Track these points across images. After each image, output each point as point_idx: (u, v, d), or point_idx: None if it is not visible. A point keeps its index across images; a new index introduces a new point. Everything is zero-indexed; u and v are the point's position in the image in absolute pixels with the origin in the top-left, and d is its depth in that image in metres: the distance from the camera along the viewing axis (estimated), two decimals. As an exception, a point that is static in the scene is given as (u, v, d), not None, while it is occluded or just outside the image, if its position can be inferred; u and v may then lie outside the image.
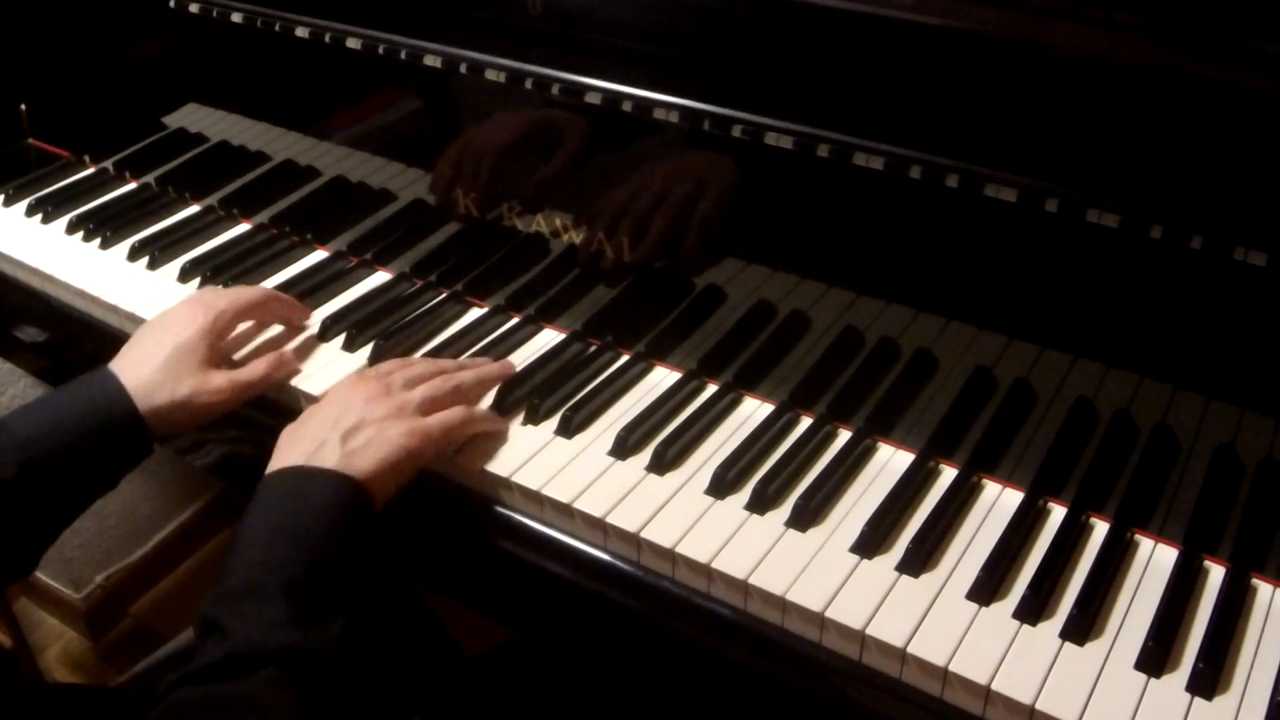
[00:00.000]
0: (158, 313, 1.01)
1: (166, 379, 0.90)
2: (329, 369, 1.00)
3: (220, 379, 0.93)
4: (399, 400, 0.86)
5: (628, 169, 0.95)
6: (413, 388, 0.89)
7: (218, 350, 0.96)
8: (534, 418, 0.93)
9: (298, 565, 0.74)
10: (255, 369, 0.96)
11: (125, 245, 1.18)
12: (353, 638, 0.74)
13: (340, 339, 1.04)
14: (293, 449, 0.83)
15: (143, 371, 0.91)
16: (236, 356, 1.01)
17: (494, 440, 0.91)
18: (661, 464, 0.88)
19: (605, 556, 0.85)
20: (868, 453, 0.91)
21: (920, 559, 0.80)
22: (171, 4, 1.13)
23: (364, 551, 0.79)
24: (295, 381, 0.99)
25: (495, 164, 1.01)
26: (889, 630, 0.75)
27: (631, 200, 0.94)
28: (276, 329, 1.05)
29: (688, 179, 0.91)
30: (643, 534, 0.82)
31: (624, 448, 0.90)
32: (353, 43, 1.02)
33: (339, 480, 0.79)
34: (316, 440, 0.82)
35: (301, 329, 1.05)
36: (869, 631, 0.75)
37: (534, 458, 0.89)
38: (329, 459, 0.80)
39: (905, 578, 0.79)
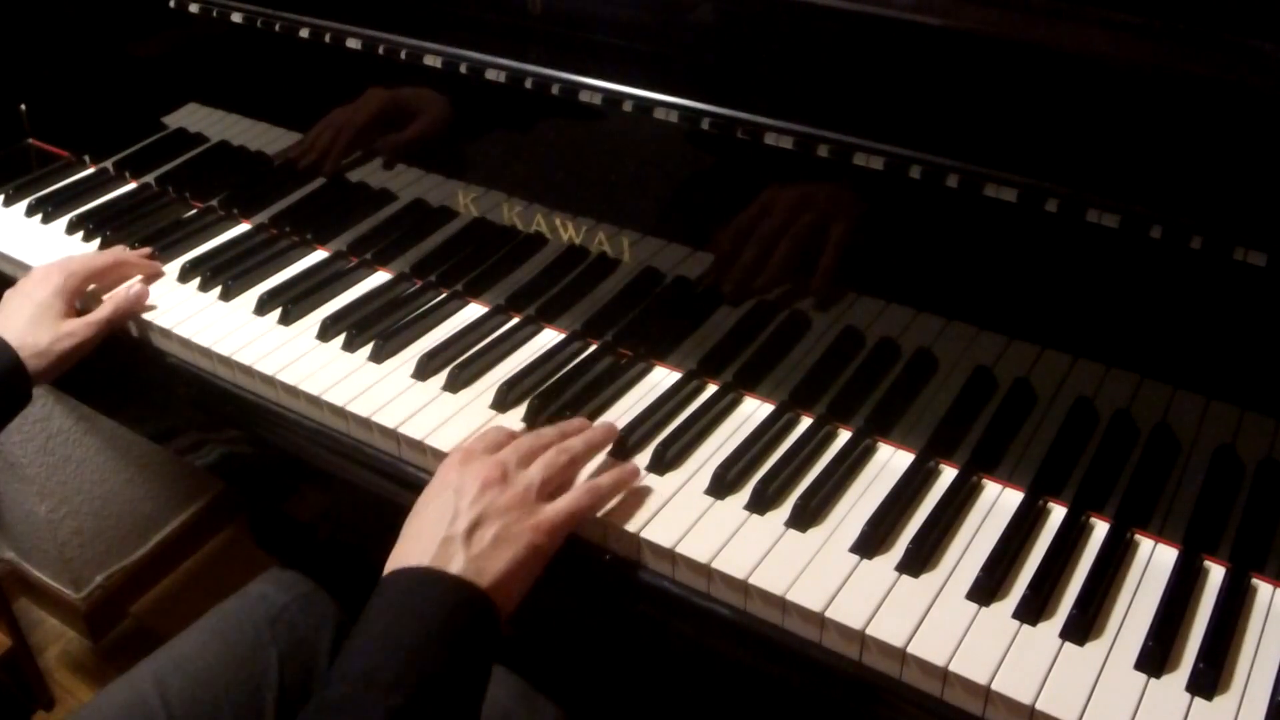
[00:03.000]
0: (178, 316, 1.09)
1: (29, 332, 1.01)
2: (329, 369, 1.00)
3: (73, 324, 1.04)
4: (521, 486, 0.80)
5: (629, 169, 0.95)
6: (527, 465, 0.83)
7: (72, 305, 1.06)
8: (534, 418, 0.94)
9: (405, 686, 0.68)
10: (102, 308, 1.06)
11: (125, 245, 1.18)
12: None
13: (340, 339, 1.04)
14: (415, 544, 0.77)
15: (12, 326, 1.02)
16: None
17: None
18: (661, 464, 0.88)
19: (605, 557, 0.85)
20: (868, 453, 0.91)
21: (920, 559, 0.80)
22: (171, 4, 1.13)
23: (482, 672, 0.73)
24: (295, 382, 0.99)
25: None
26: (889, 630, 0.75)
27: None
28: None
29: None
30: (643, 534, 0.82)
31: (624, 448, 0.90)
32: (353, 43, 1.02)
33: (463, 591, 0.73)
34: (437, 537, 0.76)
35: (155, 276, 1.14)
36: (869, 631, 0.75)
37: (534, 458, 0.89)
38: (454, 562, 0.74)
39: (905, 578, 0.79)
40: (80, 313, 1.06)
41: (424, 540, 0.76)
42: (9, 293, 1.07)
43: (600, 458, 0.89)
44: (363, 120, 1.09)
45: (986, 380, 0.85)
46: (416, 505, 0.81)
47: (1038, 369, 0.83)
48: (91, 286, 1.10)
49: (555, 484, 0.83)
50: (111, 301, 1.07)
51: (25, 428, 1.55)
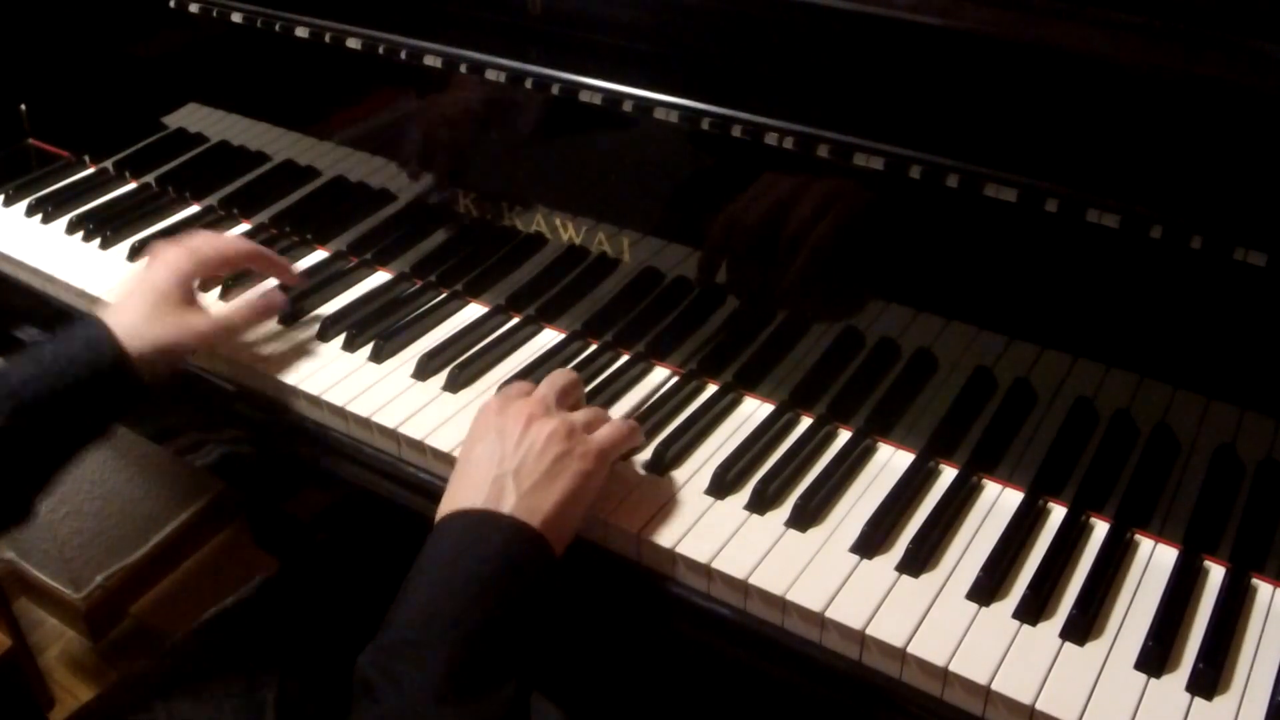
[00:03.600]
0: None
1: (148, 323, 0.91)
2: (329, 369, 1.00)
3: (200, 319, 0.94)
4: (564, 419, 0.81)
5: (629, 169, 0.95)
6: (566, 403, 0.85)
7: (193, 292, 0.96)
8: (534, 418, 0.94)
9: (465, 625, 0.68)
10: (235, 308, 0.96)
11: (125, 245, 1.18)
12: (519, 709, 0.68)
13: (340, 339, 1.04)
14: (466, 488, 0.77)
15: (126, 317, 0.90)
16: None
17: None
18: (661, 464, 0.88)
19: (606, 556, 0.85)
20: (868, 453, 0.91)
21: (920, 559, 0.80)
22: (171, 4, 1.13)
23: (539, 610, 0.73)
24: (295, 381, 0.99)
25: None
26: (889, 630, 0.75)
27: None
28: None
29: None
30: (642, 534, 0.82)
31: (624, 448, 0.90)
32: (353, 43, 1.02)
33: (518, 529, 0.73)
34: (489, 477, 0.76)
35: (291, 282, 1.06)
36: (869, 631, 0.75)
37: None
38: (507, 500, 0.75)
39: (905, 578, 0.79)
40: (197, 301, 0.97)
41: (475, 481, 0.76)
42: (131, 274, 0.98)
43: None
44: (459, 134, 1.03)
45: (986, 380, 0.85)
46: (461, 453, 0.82)
47: (1038, 369, 0.83)
48: (222, 275, 1.03)
49: (595, 424, 0.84)
50: (246, 304, 0.98)
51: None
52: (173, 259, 0.95)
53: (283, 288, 1.07)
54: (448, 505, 0.77)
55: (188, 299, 0.94)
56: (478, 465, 0.78)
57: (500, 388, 0.88)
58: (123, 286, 0.95)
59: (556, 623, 0.81)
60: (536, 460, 0.77)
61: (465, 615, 0.69)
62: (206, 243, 0.97)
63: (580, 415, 0.83)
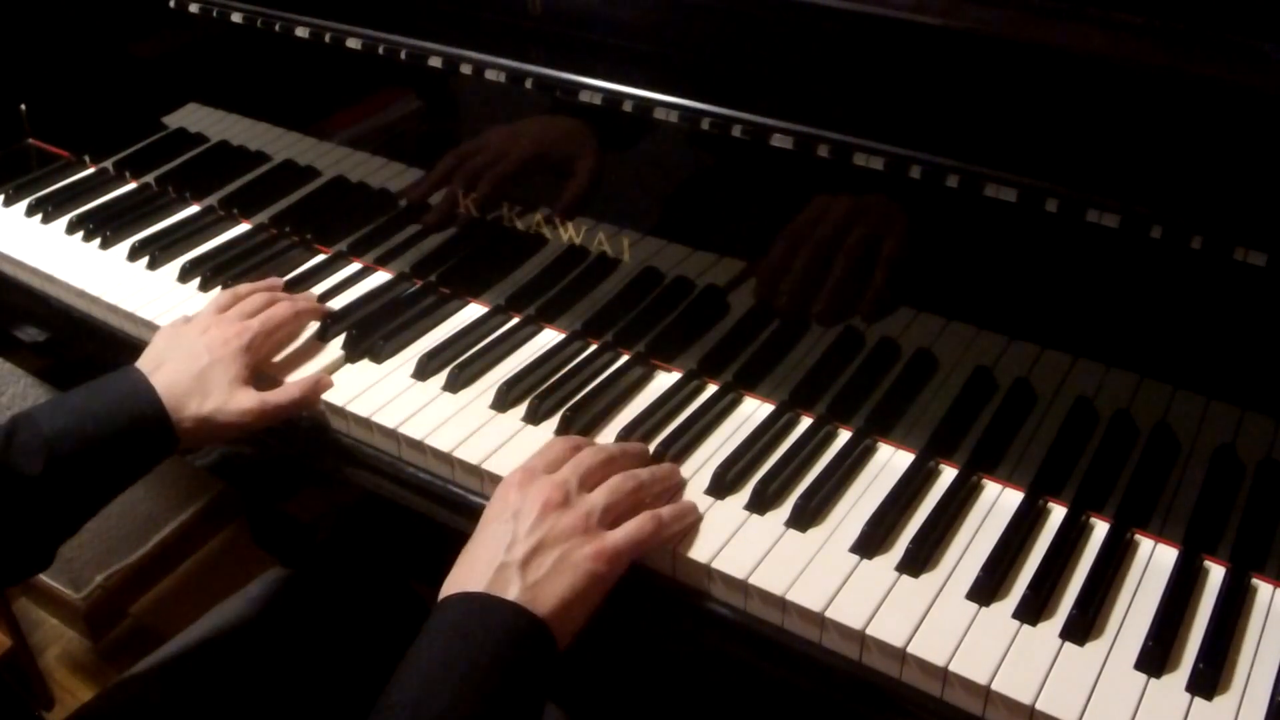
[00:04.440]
0: (177, 317, 1.02)
1: (196, 391, 0.89)
2: (328, 370, 1.00)
3: (249, 399, 0.91)
4: (583, 511, 0.78)
5: (629, 169, 0.95)
6: (591, 486, 0.81)
7: (252, 370, 0.95)
8: (534, 418, 0.94)
9: (459, 715, 0.67)
10: (288, 393, 0.94)
11: (125, 245, 1.18)
12: None
13: (340, 339, 1.04)
14: (471, 569, 0.75)
15: (172, 378, 0.90)
16: (271, 370, 1.00)
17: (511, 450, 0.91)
18: (661, 464, 0.88)
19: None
20: (868, 453, 0.91)
21: (920, 559, 0.80)
22: (171, 4, 1.13)
23: (535, 702, 0.71)
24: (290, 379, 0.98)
25: (512, 169, 0.99)
26: (889, 630, 0.75)
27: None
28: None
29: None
30: (643, 534, 0.82)
31: (624, 448, 0.90)
32: (353, 43, 1.02)
33: (519, 617, 0.71)
34: (493, 562, 0.74)
35: (319, 317, 1.05)
36: (869, 631, 0.75)
37: (534, 458, 0.89)
38: (511, 589, 0.72)
39: (905, 578, 0.79)
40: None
41: (480, 565, 0.74)
42: (174, 337, 0.96)
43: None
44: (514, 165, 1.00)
45: (986, 380, 0.85)
46: (477, 528, 0.79)
47: (1038, 369, 0.83)
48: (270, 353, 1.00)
49: (619, 511, 0.80)
50: (297, 387, 0.95)
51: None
52: (232, 339, 0.94)
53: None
54: (451, 586, 0.75)
55: (244, 378, 0.93)
56: (486, 547, 0.76)
57: (531, 460, 0.84)
58: (175, 349, 0.93)
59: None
60: (546, 552, 0.74)
61: (457, 704, 0.67)
62: (259, 322, 0.97)
63: (601, 499, 0.79)
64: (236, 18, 1.08)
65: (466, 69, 0.96)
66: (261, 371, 0.98)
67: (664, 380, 0.99)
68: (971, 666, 0.72)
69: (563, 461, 0.82)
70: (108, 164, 1.33)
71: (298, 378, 0.98)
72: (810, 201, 0.86)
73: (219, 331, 0.95)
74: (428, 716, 0.67)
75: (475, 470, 0.89)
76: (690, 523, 0.83)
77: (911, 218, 0.82)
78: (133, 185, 1.31)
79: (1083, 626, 0.75)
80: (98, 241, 1.19)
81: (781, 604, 0.78)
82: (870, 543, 0.81)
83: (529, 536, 0.75)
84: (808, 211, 0.87)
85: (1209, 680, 0.72)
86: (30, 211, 1.26)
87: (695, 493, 0.86)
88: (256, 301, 1.01)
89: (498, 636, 0.70)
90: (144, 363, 0.93)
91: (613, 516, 0.79)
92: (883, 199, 0.83)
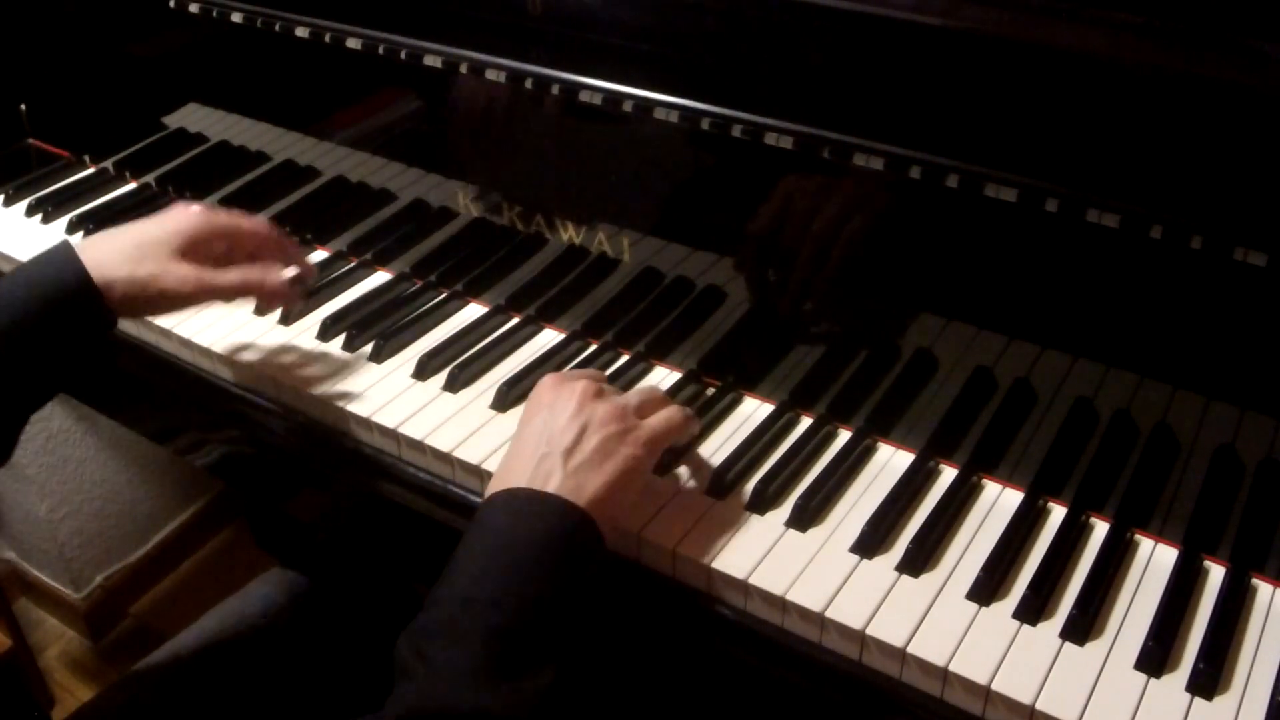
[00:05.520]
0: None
1: (128, 258, 0.86)
2: (328, 369, 1.00)
3: (186, 269, 0.88)
4: (619, 402, 0.80)
5: (629, 169, 0.95)
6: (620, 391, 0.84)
7: (192, 253, 0.89)
8: (534, 418, 0.94)
9: (506, 607, 0.67)
10: (229, 272, 0.90)
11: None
12: (559, 695, 0.67)
13: (340, 339, 1.04)
14: (515, 465, 0.76)
15: (102, 247, 0.87)
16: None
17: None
18: (661, 465, 0.88)
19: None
20: (868, 453, 0.91)
21: (920, 559, 0.80)
22: (171, 4, 1.13)
23: (583, 594, 0.72)
24: (294, 382, 0.99)
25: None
26: (889, 630, 0.75)
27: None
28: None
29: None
30: (643, 534, 0.82)
31: (624, 448, 0.90)
32: (353, 43, 1.02)
33: (565, 509, 0.72)
34: (536, 456, 0.75)
35: (304, 279, 1.01)
36: (869, 631, 0.75)
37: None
38: (554, 479, 0.74)
39: (905, 578, 0.79)
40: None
41: (523, 460, 0.76)
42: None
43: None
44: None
45: (986, 380, 0.85)
46: (518, 428, 0.80)
47: (1038, 369, 0.83)
48: (224, 247, 0.94)
49: (648, 411, 0.82)
50: (242, 274, 0.91)
51: (25, 428, 1.54)
52: (180, 212, 0.91)
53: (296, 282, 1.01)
54: (497, 483, 0.76)
55: (182, 253, 0.89)
56: (527, 443, 0.77)
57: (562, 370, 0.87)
58: (119, 225, 0.92)
59: (601, 609, 0.80)
60: (586, 440, 0.76)
61: (506, 597, 0.67)
62: (225, 215, 0.93)
63: (634, 397, 0.82)
64: (236, 18, 1.08)
65: (466, 69, 0.96)
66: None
67: (664, 380, 0.99)
68: (971, 666, 0.72)
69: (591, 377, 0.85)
70: (108, 164, 1.33)
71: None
72: (810, 202, 0.86)
73: (172, 210, 0.92)
74: (474, 609, 0.67)
75: (475, 470, 0.89)
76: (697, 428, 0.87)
77: (911, 218, 0.82)
78: (133, 185, 1.31)
79: (1083, 626, 0.75)
80: (98, 241, 1.19)
81: (781, 604, 0.78)
82: (870, 543, 0.81)
83: (569, 426, 0.76)
84: (808, 211, 0.87)
85: (1209, 680, 0.72)
86: (30, 211, 1.26)
87: (695, 493, 0.86)
88: (231, 210, 0.96)
89: (542, 528, 0.71)
90: (85, 238, 0.90)
91: (645, 412, 0.82)
92: (882, 199, 0.83)
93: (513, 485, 0.74)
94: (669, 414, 0.82)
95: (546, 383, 0.82)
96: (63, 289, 0.84)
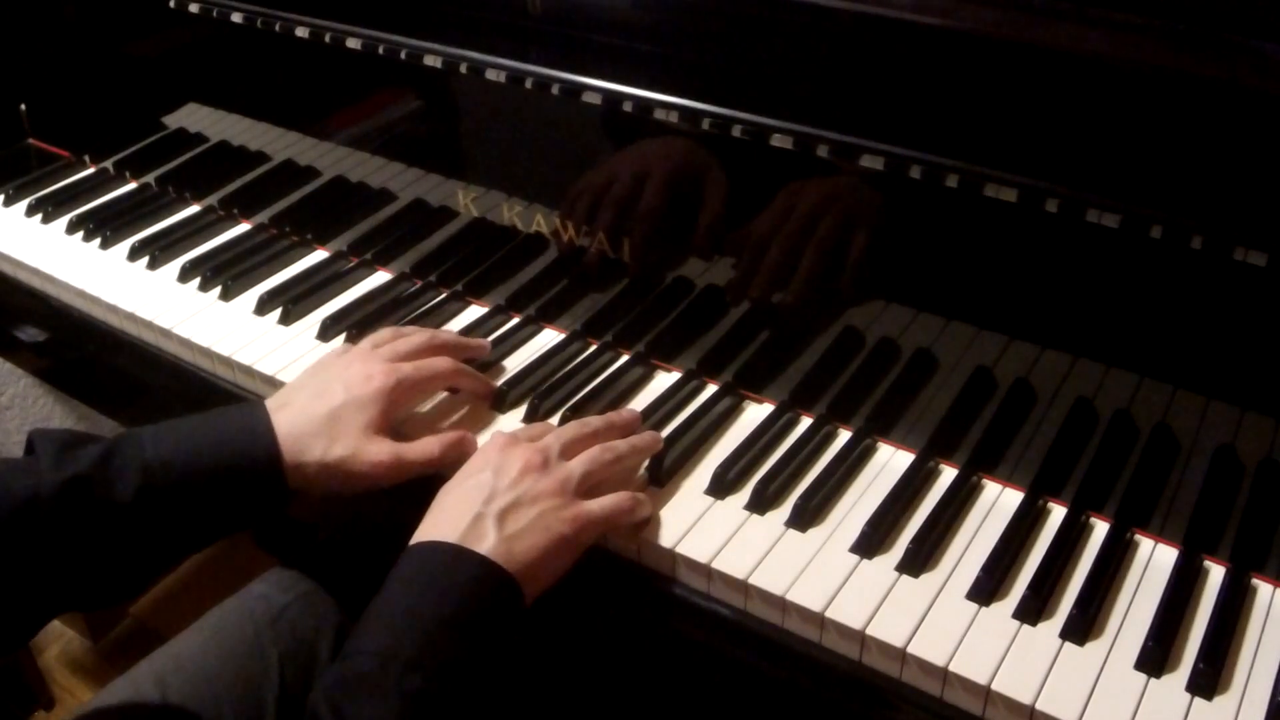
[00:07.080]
0: (175, 315, 1.01)
1: (322, 434, 0.80)
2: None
3: (383, 449, 0.82)
4: (560, 475, 0.79)
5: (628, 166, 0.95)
6: (570, 456, 0.81)
7: (389, 419, 0.85)
8: (534, 418, 0.93)
9: (426, 670, 0.66)
10: (426, 448, 0.84)
11: (125, 245, 1.18)
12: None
13: (341, 339, 1.04)
14: (444, 520, 0.75)
15: (299, 419, 0.81)
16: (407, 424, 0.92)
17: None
18: (661, 465, 0.88)
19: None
20: (868, 453, 0.91)
21: (920, 559, 0.80)
22: (171, 4, 1.13)
23: (502, 655, 0.71)
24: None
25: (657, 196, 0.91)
26: (889, 630, 0.75)
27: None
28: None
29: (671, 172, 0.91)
30: (643, 534, 0.82)
31: (624, 448, 0.90)
32: (353, 43, 1.02)
33: (491, 570, 0.71)
34: (471, 514, 0.74)
35: (486, 398, 0.95)
36: (869, 631, 0.75)
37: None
38: (484, 542, 0.73)
39: (905, 578, 0.79)
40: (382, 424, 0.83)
41: (455, 515, 0.75)
42: (313, 373, 0.87)
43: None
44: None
45: (986, 380, 0.85)
46: (451, 480, 0.80)
47: (1038, 369, 0.83)
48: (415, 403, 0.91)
49: (595, 480, 0.81)
50: (439, 441, 0.85)
51: (25, 428, 1.55)
52: (374, 379, 0.84)
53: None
54: (423, 534, 0.75)
55: (379, 426, 0.83)
56: (462, 499, 0.76)
57: (514, 429, 0.85)
58: (309, 386, 0.85)
59: (519, 669, 0.79)
60: (522, 510, 0.76)
61: (425, 655, 0.67)
62: (413, 367, 0.87)
63: (579, 467, 0.80)
64: (236, 18, 1.08)
65: (466, 69, 0.96)
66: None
67: (664, 380, 0.99)
68: (971, 666, 0.72)
69: (543, 436, 0.84)
70: (108, 164, 1.33)
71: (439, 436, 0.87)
72: (810, 202, 0.86)
73: (363, 367, 0.86)
74: (394, 667, 0.67)
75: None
76: (650, 514, 0.83)
77: (911, 218, 0.82)
78: (133, 185, 1.31)
79: (1083, 626, 0.75)
80: (98, 241, 1.19)
81: (781, 604, 0.78)
82: (870, 543, 0.81)
83: (508, 492, 0.76)
84: (808, 211, 0.87)
85: (1209, 680, 0.72)
86: (30, 211, 1.26)
87: (695, 493, 0.86)
88: (415, 343, 0.91)
89: (468, 588, 0.71)
90: (277, 396, 0.85)
91: (589, 485, 0.81)
92: (882, 199, 0.83)
93: (439, 539, 0.73)
94: (616, 500, 0.80)
95: (495, 442, 0.81)
96: (251, 462, 0.79)
